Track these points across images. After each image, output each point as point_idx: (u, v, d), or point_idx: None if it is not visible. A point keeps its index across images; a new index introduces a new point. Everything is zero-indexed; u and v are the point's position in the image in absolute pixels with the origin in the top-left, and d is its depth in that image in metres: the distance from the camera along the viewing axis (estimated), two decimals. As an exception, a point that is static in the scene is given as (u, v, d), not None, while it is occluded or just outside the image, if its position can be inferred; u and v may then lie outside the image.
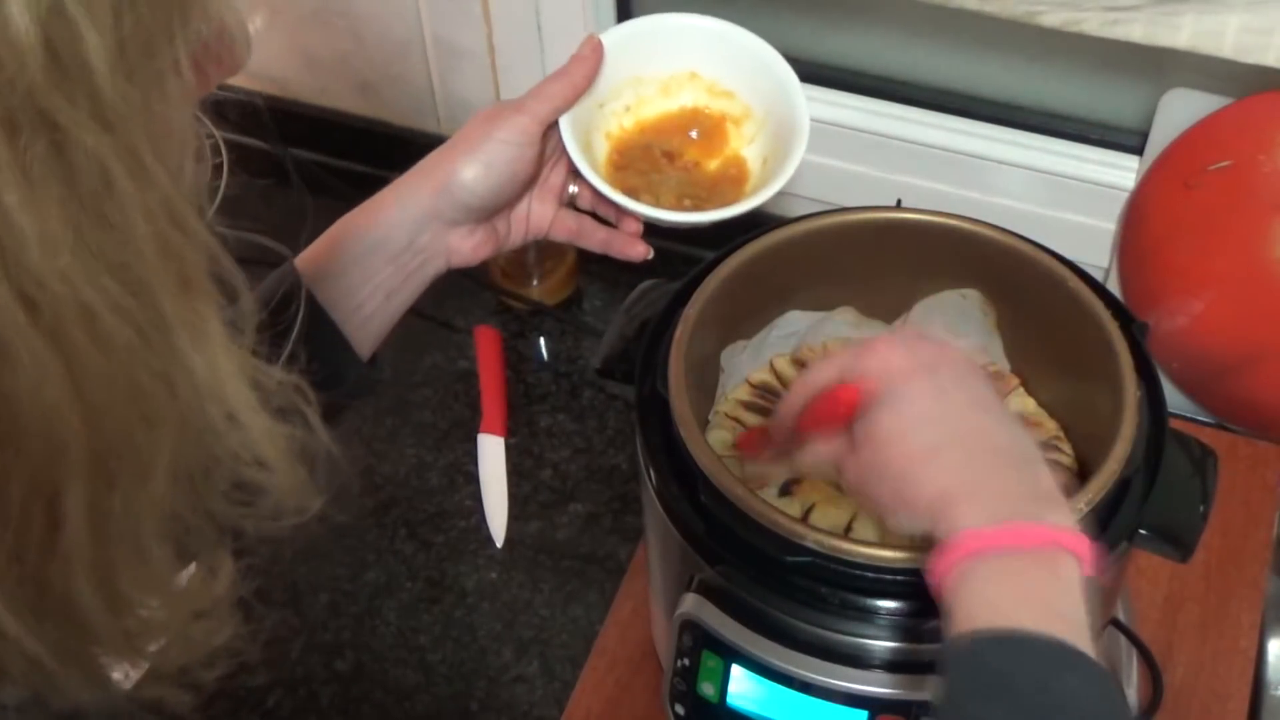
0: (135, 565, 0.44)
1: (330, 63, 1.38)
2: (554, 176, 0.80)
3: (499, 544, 1.10)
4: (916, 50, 1.20)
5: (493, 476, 1.14)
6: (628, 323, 0.89)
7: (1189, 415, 1.12)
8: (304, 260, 0.74)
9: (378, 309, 0.75)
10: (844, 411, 0.65)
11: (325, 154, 1.42)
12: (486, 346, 1.23)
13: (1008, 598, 0.56)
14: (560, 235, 0.81)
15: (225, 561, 0.49)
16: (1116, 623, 0.90)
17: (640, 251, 0.81)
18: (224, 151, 1.45)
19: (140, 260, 0.39)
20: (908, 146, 1.19)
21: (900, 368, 0.64)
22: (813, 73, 1.26)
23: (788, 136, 0.79)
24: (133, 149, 0.39)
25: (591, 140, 0.80)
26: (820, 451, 0.67)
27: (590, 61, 0.77)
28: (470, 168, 0.74)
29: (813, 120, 0.80)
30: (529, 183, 0.77)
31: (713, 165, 0.82)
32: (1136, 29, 0.94)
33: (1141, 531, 0.75)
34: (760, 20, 1.26)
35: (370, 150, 1.42)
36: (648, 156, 0.81)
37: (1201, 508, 0.78)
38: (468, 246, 0.76)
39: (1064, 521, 0.59)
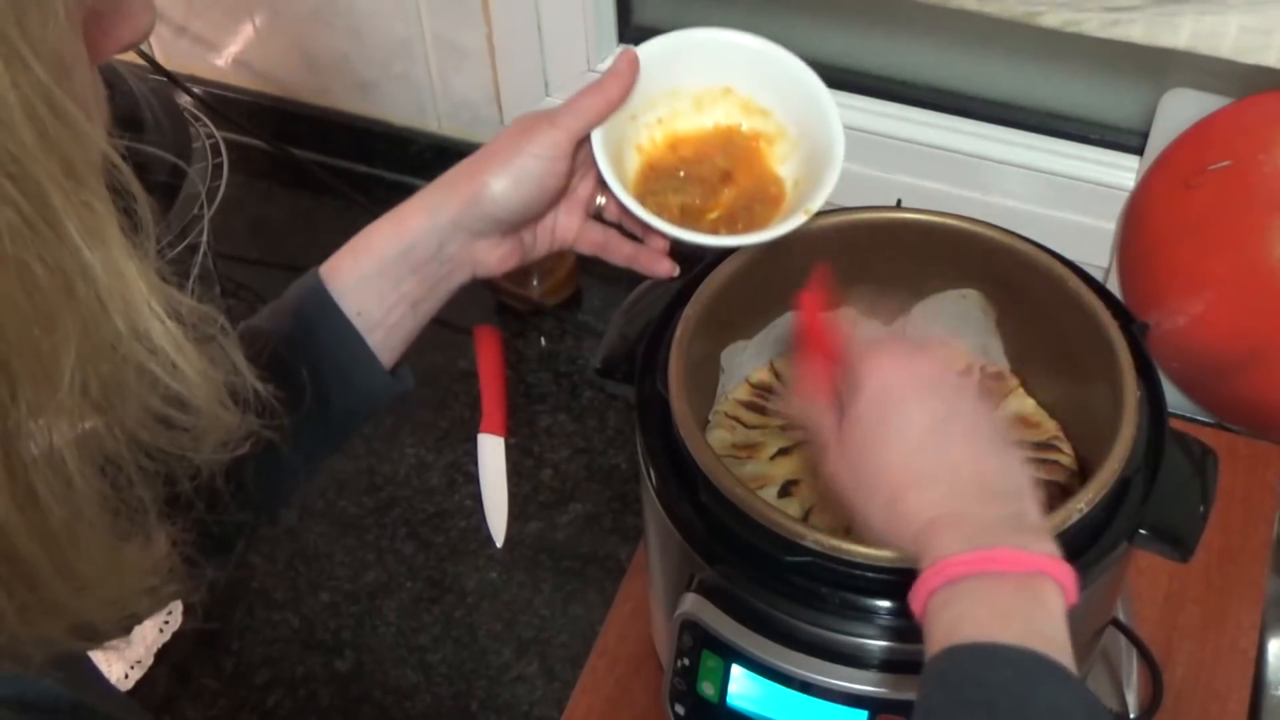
0: (51, 477, 0.43)
1: (330, 62, 1.38)
2: (582, 188, 0.79)
3: (499, 544, 1.10)
4: (916, 50, 1.20)
5: (493, 476, 1.14)
6: (628, 323, 0.88)
7: (1189, 415, 1.12)
8: (328, 269, 0.74)
9: (402, 318, 0.74)
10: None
11: (325, 154, 1.42)
12: (486, 346, 1.23)
13: (988, 616, 0.57)
14: (585, 248, 0.80)
15: (159, 530, 0.48)
16: (1116, 623, 0.89)
17: (666, 268, 0.80)
18: (224, 151, 1.46)
19: (17, 144, 0.39)
20: (908, 146, 1.19)
21: (900, 386, 0.65)
22: (813, 73, 1.26)
23: (821, 161, 0.78)
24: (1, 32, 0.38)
25: (623, 153, 0.79)
26: (815, 421, 0.68)
27: (626, 76, 0.76)
28: (500, 180, 0.73)
29: None
30: (558, 196, 0.77)
31: (746, 183, 0.81)
32: (1136, 29, 0.94)
33: (1141, 531, 0.75)
34: (760, 20, 1.26)
35: (370, 150, 1.42)
36: (679, 176, 0.80)
37: (1201, 508, 0.78)
38: (494, 258, 0.76)
39: (1048, 550, 0.59)
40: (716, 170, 0.80)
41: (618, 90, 0.75)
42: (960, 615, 0.57)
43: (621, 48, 1.31)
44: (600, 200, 0.80)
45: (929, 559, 0.59)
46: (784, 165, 0.81)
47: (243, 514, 0.69)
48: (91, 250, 0.41)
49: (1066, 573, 0.58)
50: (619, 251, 0.80)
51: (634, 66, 0.76)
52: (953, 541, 0.59)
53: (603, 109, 0.75)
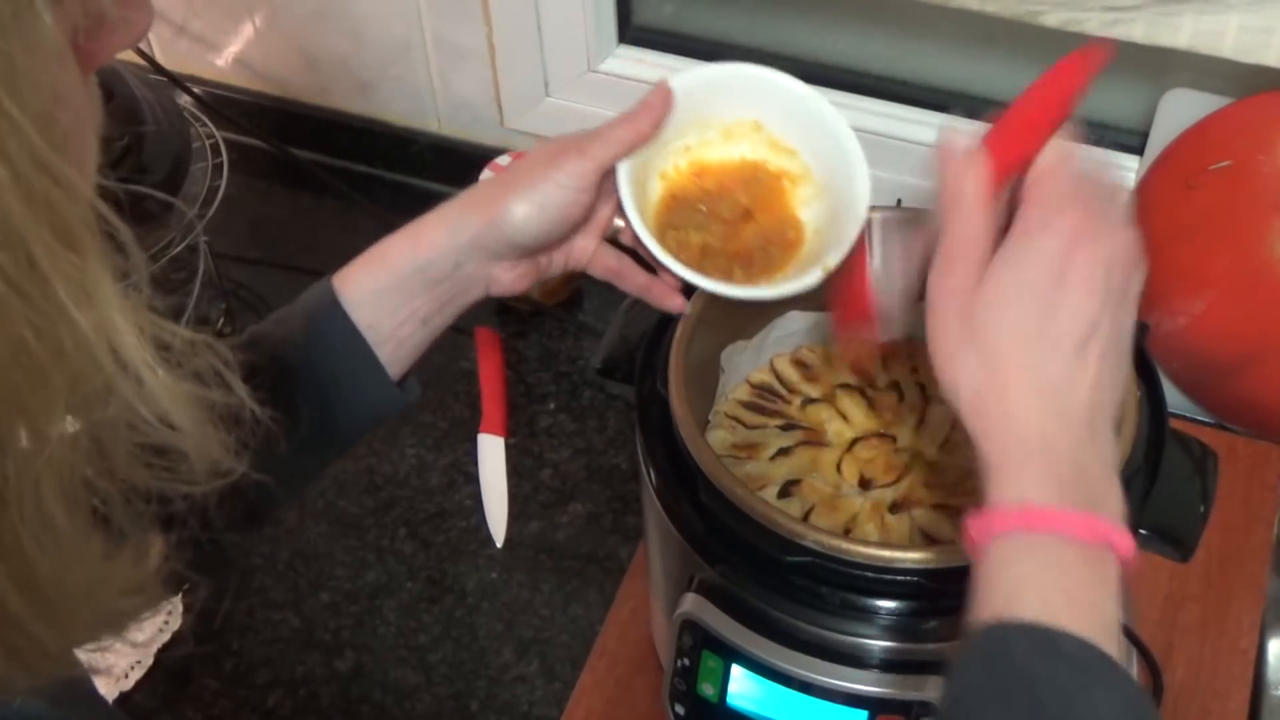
0: (40, 532, 0.43)
1: (330, 63, 1.38)
2: (602, 212, 0.78)
3: (499, 544, 1.10)
4: (916, 50, 1.20)
5: (493, 476, 1.14)
6: (628, 323, 0.89)
7: (1189, 415, 1.12)
8: (341, 279, 0.73)
9: (413, 333, 0.74)
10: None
11: (325, 154, 1.42)
12: (486, 346, 1.23)
13: (1055, 591, 0.54)
14: (599, 272, 0.80)
15: (154, 539, 0.48)
16: (1116, 623, 0.90)
17: (678, 305, 0.79)
18: (224, 151, 1.46)
19: (5, 212, 0.38)
20: (908, 146, 1.19)
21: (1079, 265, 0.57)
22: (813, 73, 1.26)
23: (844, 214, 0.77)
24: None
25: (647, 180, 0.78)
26: (964, 208, 0.60)
27: (658, 110, 0.75)
28: (522, 206, 0.72)
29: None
30: (580, 224, 0.76)
31: (765, 223, 0.80)
32: (1137, 29, 0.94)
33: (1141, 531, 0.75)
34: (761, 20, 1.26)
35: (370, 150, 1.42)
36: (700, 210, 0.80)
37: (1201, 508, 0.78)
38: (509, 278, 0.76)
39: (1118, 515, 0.56)
40: (738, 207, 0.80)
41: (649, 123, 0.74)
42: (1025, 580, 0.54)
43: (623, 48, 1.32)
44: (617, 222, 0.78)
45: (1009, 490, 0.55)
46: (806, 209, 0.80)
47: (232, 533, 0.68)
48: (81, 311, 0.41)
49: (1131, 548, 0.55)
50: (632, 281, 0.79)
51: (668, 100, 0.75)
52: (1040, 485, 0.55)
53: (633, 141, 0.74)
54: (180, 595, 1.06)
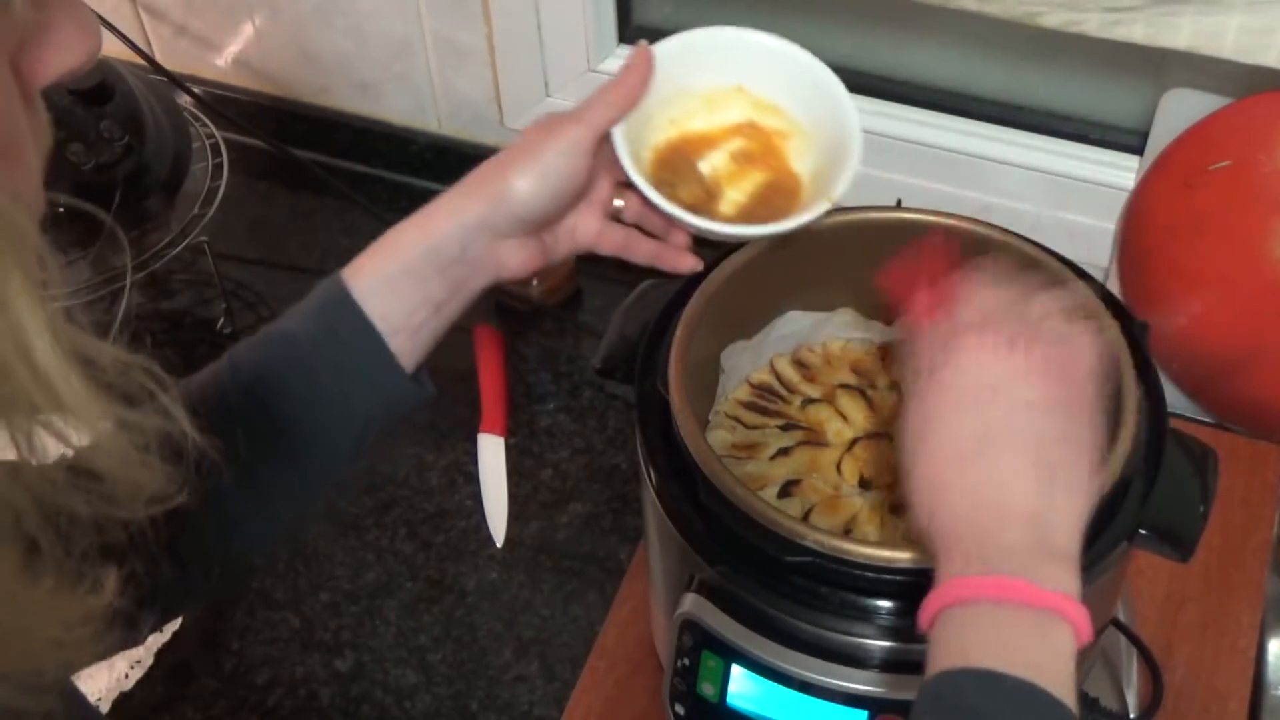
0: None
1: (330, 62, 1.38)
2: (600, 190, 0.79)
3: (499, 544, 1.10)
4: (917, 50, 1.20)
5: (493, 476, 1.14)
6: (628, 323, 0.88)
7: (1189, 415, 1.12)
8: (351, 270, 0.73)
9: (425, 321, 0.74)
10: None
11: (325, 154, 1.42)
12: (486, 346, 1.23)
13: (995, 644, 0.56)
14: (607, 249, 0.80)
15: (107, 573, 0.47)
16: (1116, 623, 0.89)
17: (689, 263, 0.79)
18: (224, 151, 1.46)
19: None
20: (908, 146, 1.19)
21: (967, 388, 0.62)
22: (813, 73, 1.26)
23: (838, 152, 0.78)
24: None
25: (639, 154, 0.78)
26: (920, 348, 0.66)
27: (643, 69, 0.76)
28: (525, 179, 0.73)
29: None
30: (580, 194, 0.77)
31: (762, 178, 0.81)
32: (1136, 30, 0.94)
33: (1141, 531, 0.75)
34: (762, 21, 1.26)
35: (370, 150, 1.42)
36: (694, 171, 0.80)
37: (1201, 508, 0.78)
38: (517, 260, 0.76)
39: (1065, 585, 0.58)
40: (729, 167, 0.81)
41: (637, 82, 0.75)
42: (968, 640, 0.57)
43: (623, 48, 1.32)
44: (618, 202, 0.80)
45: (941, 574, 0.59)
46: (800, 161, 0.81)
47: (186, 568, 0.67)
48: None
49: (1079, 613, 0.57)
50: (641, 250, 0.80)
51: (649, 60, 0.76)
52: (966, 563, 0.58)
53: (622, 103, 0.75)
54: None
